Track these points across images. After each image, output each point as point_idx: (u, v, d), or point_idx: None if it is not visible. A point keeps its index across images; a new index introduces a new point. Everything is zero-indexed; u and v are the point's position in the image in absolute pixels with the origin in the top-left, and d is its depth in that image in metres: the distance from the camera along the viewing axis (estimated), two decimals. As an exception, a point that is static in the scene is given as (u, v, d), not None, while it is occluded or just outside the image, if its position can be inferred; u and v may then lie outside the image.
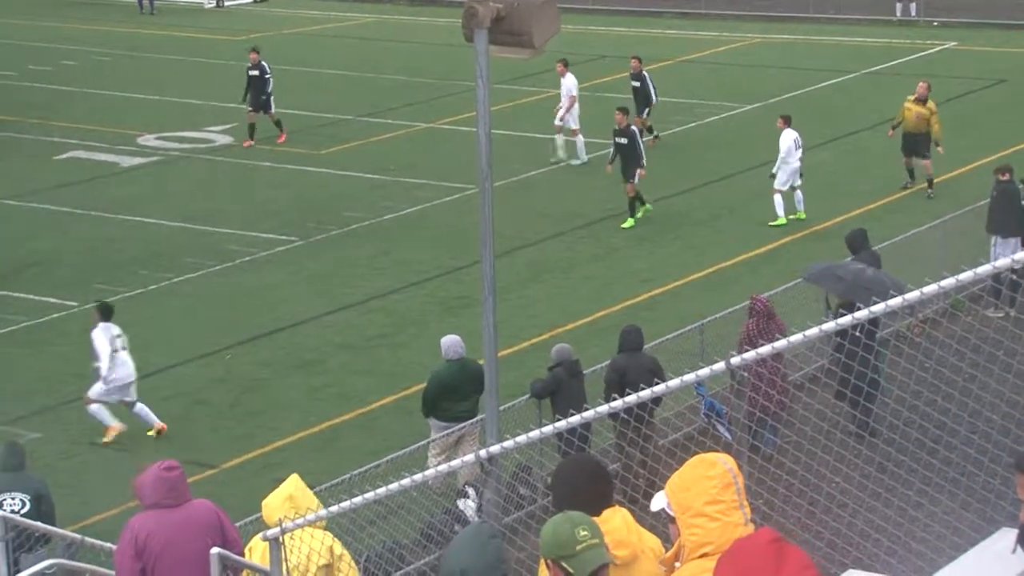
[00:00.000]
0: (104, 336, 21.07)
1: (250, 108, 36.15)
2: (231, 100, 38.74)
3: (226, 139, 37.49)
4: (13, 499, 15.19)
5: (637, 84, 34.81)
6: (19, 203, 32.14)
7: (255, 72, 36.16)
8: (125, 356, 21.17)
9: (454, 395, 18.46)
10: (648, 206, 29.77)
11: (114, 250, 29.08)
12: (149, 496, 10.48)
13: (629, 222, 29.44)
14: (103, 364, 20.96)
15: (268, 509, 11.10)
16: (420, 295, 26.35)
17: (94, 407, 21.11)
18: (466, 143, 31.39)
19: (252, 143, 36.06)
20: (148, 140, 37.47)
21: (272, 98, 36.27)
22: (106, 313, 21.42)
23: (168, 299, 26.58)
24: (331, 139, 36.98)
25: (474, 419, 18.21)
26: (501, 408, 13.20)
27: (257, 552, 10.87)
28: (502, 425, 12.86)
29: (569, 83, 33.70)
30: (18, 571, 10.81)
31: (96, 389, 21.10)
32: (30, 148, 36.65)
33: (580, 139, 33.77)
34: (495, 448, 10.05)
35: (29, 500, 15.21)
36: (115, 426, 21.13)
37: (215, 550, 10.07)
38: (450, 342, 18.86)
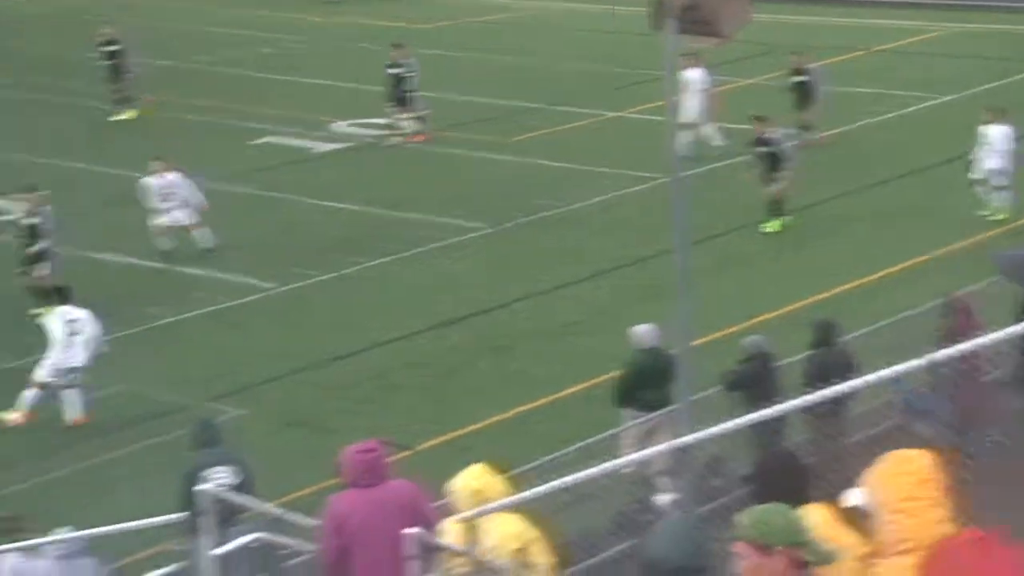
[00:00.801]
0: (59, 320, 21.53)
1: (394, 105, 36.37)
2: (423, 88, 39.18)
3: (416, 126, 37.89)
4: (220, 472, 15.74)
5: (800, 80, 34.15)
6: (218, 186, 32.86)
7: (396, 70, 36.25)
8: (78, 340, 21.50)
9: (648, 384, 18.52)
10: (786, 219, 28.87)
11: (309, 234, 29.64)
12: (349, 475, 10.74)
13: (773, 224, 28.72)
14: (56, 348, 21.37)
15: (459, 490, 11.29)
16: (609, 284, 26.47)
17: (30, 391, 21.51)
18: (654, 132, 31.39)
19: (424, 137, 36.14)
20: (340, 127, 38.07)
21: (415, 94, 36.24)
22: (64, 297, 21.97)
23: (360, 284, 27.05)
24: (519, 128, 37.22)
25: (667, 408, 18.27)
26: (694, 398, 13.27)
27: (451, 532, 11.08)
28: (695, 415, 12.94)
29: (694, 76, 33.08)
30: (223, 544, 11.15)
31: (42, 372, 21.53)
32: (228, 133, 37.44)
33: (704, 129, 33.31)
34: (688, 438, 10.17)
35: (235, 474, 15.77)
36: (16, 416, 21.53)
37: (412, 530, 10.31)
38: (644, 331, 18.93)
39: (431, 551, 10.53)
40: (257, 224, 30.34)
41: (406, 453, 19.59)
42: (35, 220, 25.74)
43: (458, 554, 10.69)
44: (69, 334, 21.58)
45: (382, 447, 10.88)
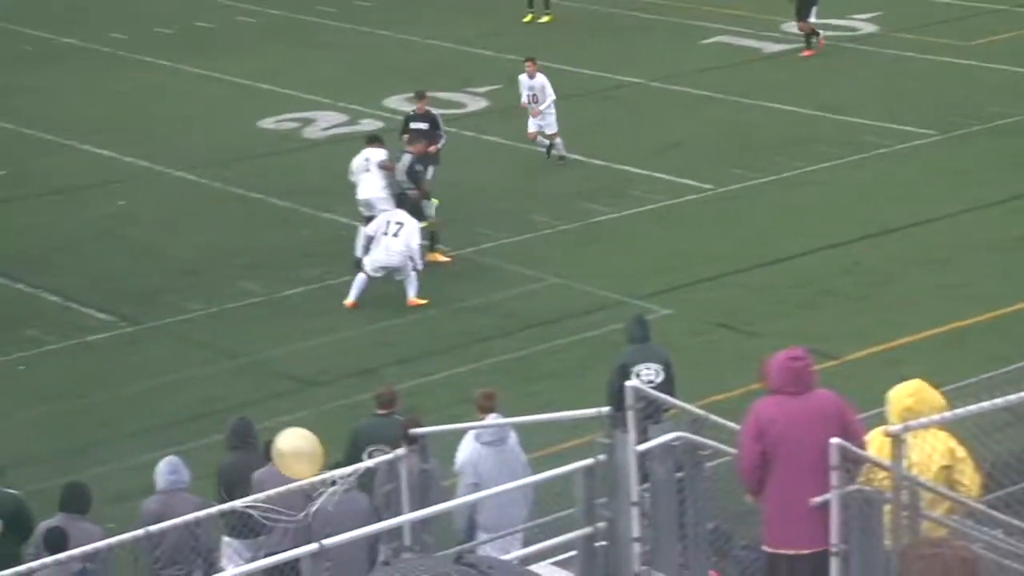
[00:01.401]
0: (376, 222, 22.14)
1: (797, 19, 35.01)
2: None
3: (871, 27, 36.95)
4: (648, 369, 15.88)
5: None
6: (661, 85, 32.89)
7: None
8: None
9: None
10: None
11: (750, 136, 29.33)
12: (774, 382, 10.55)
13: None
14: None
15: (892, 404, 10.98)
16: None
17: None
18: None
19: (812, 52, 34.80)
20: (792, 27, 37.38)
21: (815, 8, 34.66)
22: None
23: (800, 188, 26.62)
24: (982, 30, 35.72)
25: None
26: None
27: (875, 445, 10.77)
28: None
29: None
30: (646, 440, 11.13)
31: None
32: (674, 31, 37.35)
33: None
34: None
35: (662, 371, 15.86)
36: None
37: (835, 440, 10.06)
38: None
39: (854, 463, 10.26)
40: (698, 125, 30.20)
41: (833, 363, 19.31)
42: None
43: (882, 468, 10.38)
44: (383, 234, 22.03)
45: (810, 355, 10.63)
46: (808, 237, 24.26)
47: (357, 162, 23.49)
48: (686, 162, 27.91)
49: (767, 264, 23.26)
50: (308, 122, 30.84)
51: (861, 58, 34.66)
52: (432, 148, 24.75)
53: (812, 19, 34.61)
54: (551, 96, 28.02)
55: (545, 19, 38.51)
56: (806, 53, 34.70)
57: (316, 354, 20.88)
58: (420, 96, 25.87)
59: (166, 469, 13.52)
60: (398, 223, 22.10)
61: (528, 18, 38.39)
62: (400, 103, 31.66)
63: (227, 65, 34.95)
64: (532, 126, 28.04)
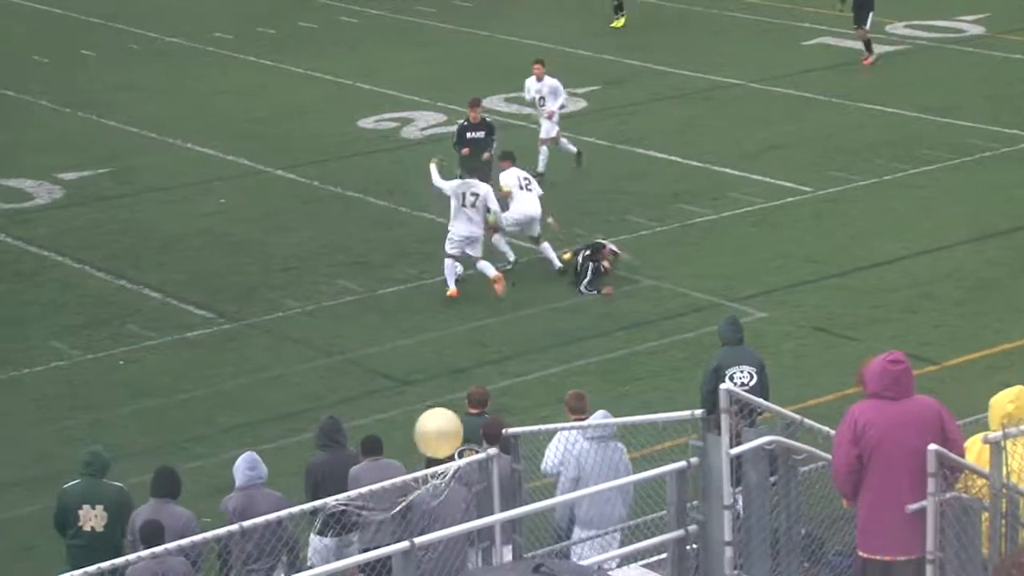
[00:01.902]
0: (457, 187, 22.35)
1: (855, 25, 34.30)
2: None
3: (978, 29, 36.51)
4: (742, 372, 15.79)
5: None
6: (761, 86, 32.68)
7: None
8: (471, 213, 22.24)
9: None
10: None
11: (851, 138, 29.08)
12: (872, 385, 10.43)
13: None
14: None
15: (992, 410, 10.84)
16: None
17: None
18: None
19: (871, 58, 34.01)
20: (897, 28, 37.05)
21: (871, 14, 33.91)
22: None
23: (903, 190, 26.35)
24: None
25: None
26: None
27: (973, 452, 10.63)
28: None
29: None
30: (740, 443, 11.06)
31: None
32: (776, 32, 37.11)
33: None
34: None
35: (756, 374, 15.76)
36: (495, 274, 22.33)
37: (932, 447, 9.93)
38: None
39: (952, 470, 10.12)
40: (798, 127, 29.98)
41: (933, 368, 19.09)
42: None
43: (980, 475, 10.23)
44: (461, 205, 22.31)
45: (908, 360, 10.50)
46: (908, 241, 24.01)
47: (505, 179, 23.41)
48: (785, 164, 27.71)
49: (866, 268, 23.03)
50: (407, 121, 30.96)
51: (966, 60, 34.26)
52: (486, 156, 24.73)
53: (867, 26, 33.83)
54: (562, 97, 27.55)
55: (617, 23, 38.09)
56: (865, 61, 33.90)
57: (410, 353, 20.94)
58: (475, 104, 25.59)
59: (245, 465, 13.64)
60: (474, 193, 22.51)
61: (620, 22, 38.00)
62: (498, 103, 31.72)
63: (328, 65, 35.17)
64: (544, 131, 27.29)
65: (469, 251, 22.53)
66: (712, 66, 34.16)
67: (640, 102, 32.07)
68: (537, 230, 23.34)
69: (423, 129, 30.55)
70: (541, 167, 26.74)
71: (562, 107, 27.67)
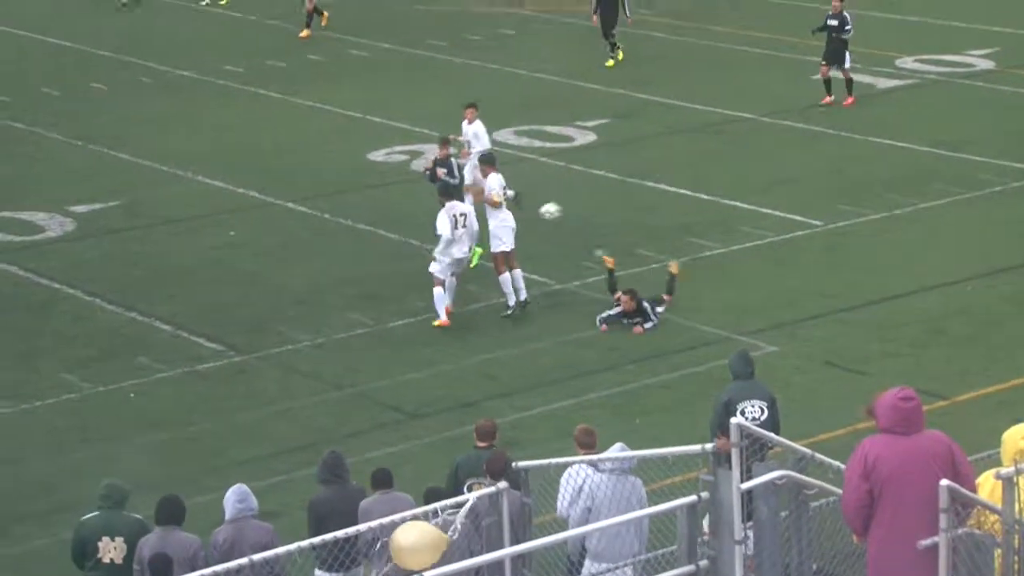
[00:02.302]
0: (446, 216, 22.36)
1: (823, 62, 33.38)
2: (995, 23, 37.73)
3: (987, 64, 36.56)
4: (753, 407, 15.79)
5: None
6: (772, 120, 32.72)
7: (834, 22, 33.21)
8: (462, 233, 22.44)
9: None
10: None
11: (861, 172, 29.10)
12: (883, 421, 10.43)
13: None
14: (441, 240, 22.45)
15: (1005, 445, 10.83)
16: None
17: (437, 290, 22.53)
18: None
19: (830, 100, 33.29)
20: (906, 63, 37.12)
21: (848, 54, 33.22)
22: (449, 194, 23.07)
23: (913, 225, 26.35)
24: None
25: None
26: None
27: (986, 488, 10.61)
28: None
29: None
30: (750, 478, 11.04)
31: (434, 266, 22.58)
32: (786, 67, 37.14)
33: None
34: None
35: (766, 408, 15.75)
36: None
37: (944, 482, 9.91)
38: None
39: (964, 505, 10.11)
40: (808, 160, 30.01)
41: (943, 403, 19.06)
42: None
43: (992, 511, 10.21)
44: (453, 228, 22.40)
45: (918, 397, 10.50)
46: (919, 275, 23.99)
47: (492, 186, 23.36)
48: (796, 198, 27.73)
49: (876, 302, 23.03)
50: (417, 155, 31.01)
51: (976, 94, 34.30)
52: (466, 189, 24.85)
53: (847, 65, 33.14)
54: (484, 144, 26.53)
55: (610, 63, 37.81)
56: (845, 103, 33.23)
57: (420, 386, 20.94)
58: (444, 143, 25.34)
59: (235, 497, 13.69)
60: (462, 214, 22.77)
61: (610, 63, 37.78)
62: (509, 136, 31.78)
63: (338, 98, 35.26)
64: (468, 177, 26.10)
65: (454, 276, 22.79)
66: (722, 100, 34.20)
67: (650, 135, 32.12)
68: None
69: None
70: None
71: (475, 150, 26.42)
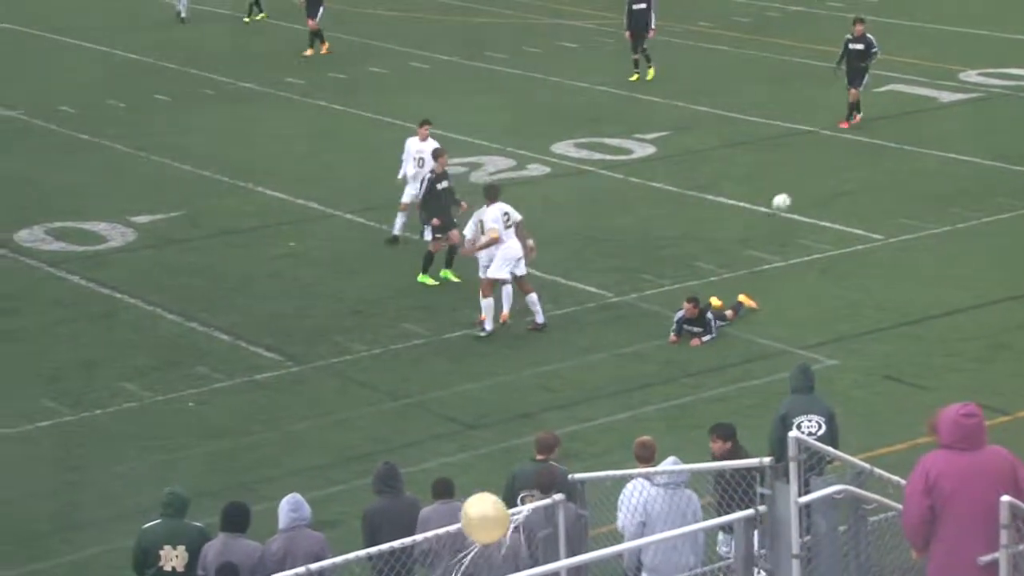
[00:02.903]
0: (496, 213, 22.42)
1: (849, 86, 32.64)
2: None
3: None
4: (811, 421, 15.71)
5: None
6: (832, 133, 32.56)
7: (859, 46, 32.41)
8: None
9: None
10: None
11: (924, 185, 28.93)
12: (945, 437, 10.33)
13: None
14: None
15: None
16: None
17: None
18: None
19: (849, 124, 32.61)
20: (970, 76, 36.87)
21: (867, 76, 32.60)
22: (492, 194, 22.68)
23: (977, 239, 26.15)
24: None
25: None
26: None
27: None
28: None
29: None
30: (808, 492, 10.96)
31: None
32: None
33: None
34: None
35: (824, 423, 15.67)
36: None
37: (1005, 498, 9.82)
38: None
39: (1024, 521, 10.01)
40: (869, 174, 29.84)
41: (1005, 418, 18.88)
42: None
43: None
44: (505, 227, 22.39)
45: (981, 413, 10.39)
46: (981, 289, 23.79)
47: (491, 219, 22.84)
48: (856, 211, 27.57)
49: (938, 316, 22.85)
50: (476, 166, 31.04)
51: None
52: (463, 206, 24.73)
53: (861, 88, 32.64)
54: (429, 164, 25.66)
55: (643, 76, 37.50)
56: (843, 124, 32.55)
57: (477, 396, 20.93)
58: (440, 153, 25.06)
59: (288, 507, 13.74)
60: (506, 213, 22.74)
61: (634, 77, 37.54)
62: (568, 148, 31.75)
63: (398, 109, 35.34)
64: (407, 195, 26.14)
65: (517, 271, 22.69)
66: (782, 113, 34.07)
67: (709, 148, 32.03)
68: (522, 269, 22.87)
69: (492, 174, 30.60)
70: (397, 230, 26.62)
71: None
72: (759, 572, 11.06)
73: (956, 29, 41.94)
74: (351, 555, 11.45)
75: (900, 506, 10.75)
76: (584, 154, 31.59)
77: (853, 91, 32.69)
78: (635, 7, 37.19)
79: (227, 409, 20.86)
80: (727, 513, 11.50)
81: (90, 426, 20.48)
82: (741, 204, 28.20)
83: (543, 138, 32.55)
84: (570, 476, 13.33)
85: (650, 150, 31.94)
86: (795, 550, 10.65)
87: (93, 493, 18.63)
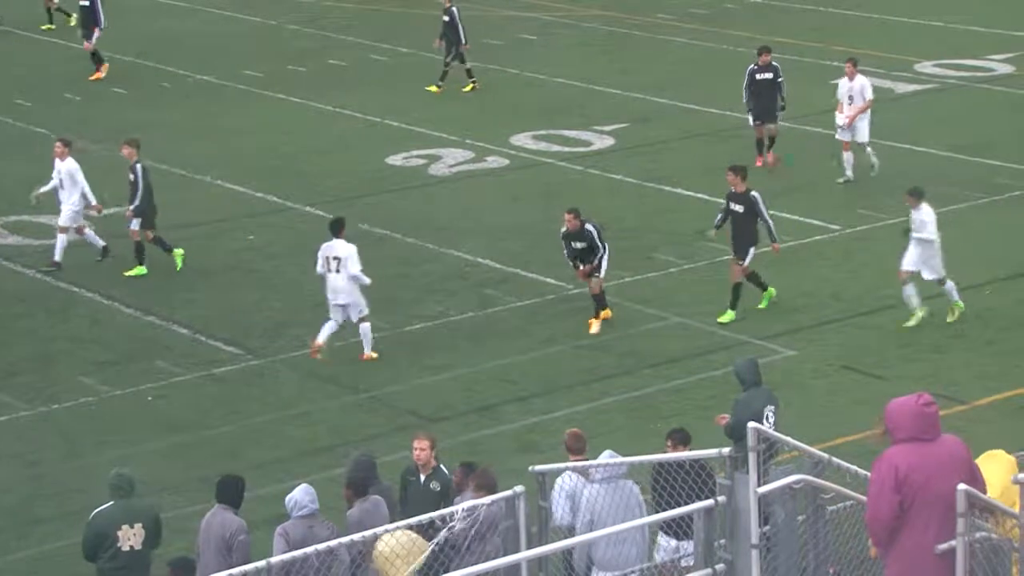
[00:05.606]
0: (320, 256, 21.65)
1: (757, 121, 30.27)
2: (1015, 27, 37.58)
3: (1007, 68, 36.47)
4: (773, 412, 15.87)
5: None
6: (790, 124, 32.63)
7: (767, 75, 30.32)
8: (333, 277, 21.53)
9: None
10: (771, 291, 23.39)
11: (880, 176, 29.01)
12: (906, 429, 10.22)
13: (728, 315, 22.82)
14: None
15: (1024, 454, 10.77)
16: None
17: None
18: None
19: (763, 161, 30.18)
20: (926, 67, 37.04)
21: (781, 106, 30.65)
22: (335, 229, 21.77)
23: (930, 230, 26.21)
24: None
25: None
26: None
27: (996, 490, 10.57)
28: None
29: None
30: (767, 481, 11.00)
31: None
32: (804, 71, 37.05)
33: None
34: None
35: (774, 412, 15.86)
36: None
37: (962, 486, 9.84)
38: None
39: (982, 510, 10.04)
40: (828, 165, 29.90)
41: (961, 407, 19.01)
42: None
43: (1010, 516, 10.17)
44: (327, 271, 21.70)
45: (935, 401, 10.42)
46: (937, 279, 23.90)
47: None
48: (814, 203, 27.68)
49: (894, 306, 22.96)
50: (435, 159, 31.02)
51: (996, 99, 34.20)
52: None
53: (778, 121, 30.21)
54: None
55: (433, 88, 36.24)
56: (759, 161, 29.61)
57: (437, 390, 20.94)
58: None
59: (307, 497, 13.92)
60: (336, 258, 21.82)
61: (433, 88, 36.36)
62: (526, 140, 31.76)
63: (357, 102, 35.29)
64: None
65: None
66: (740, 105, 34.13)
67: (668, 140, 32.08)
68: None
69: (451, 166, 30.61)
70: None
71: None
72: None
73: (911, 20, 42.10)
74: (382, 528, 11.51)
75: (858, 496, 10.76)
76: (543, 146, 31.61)
77: (772, 127, 30.22)
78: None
79: (186, 403, 20.82)
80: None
81: (48, 421, 20.40)
82: (700, 196, 28.26)
83: (502, 130, 32.55)
84: (530, 468, 13.35)
85: (609, 142, 31.99)
86: (754, 540, 10.69)
87: (51, 488, 18.56)
